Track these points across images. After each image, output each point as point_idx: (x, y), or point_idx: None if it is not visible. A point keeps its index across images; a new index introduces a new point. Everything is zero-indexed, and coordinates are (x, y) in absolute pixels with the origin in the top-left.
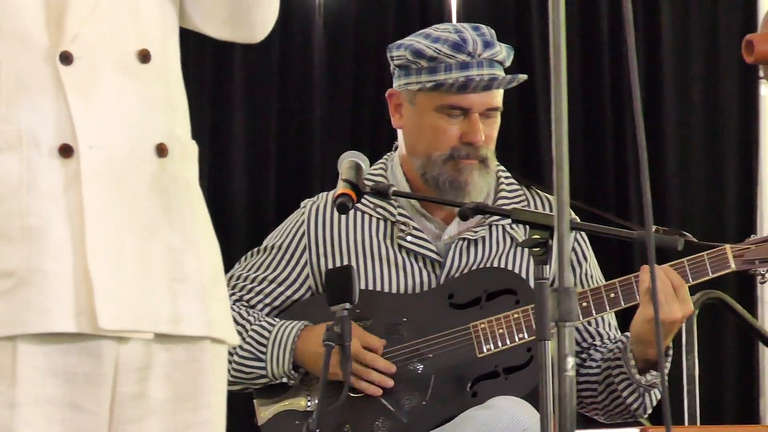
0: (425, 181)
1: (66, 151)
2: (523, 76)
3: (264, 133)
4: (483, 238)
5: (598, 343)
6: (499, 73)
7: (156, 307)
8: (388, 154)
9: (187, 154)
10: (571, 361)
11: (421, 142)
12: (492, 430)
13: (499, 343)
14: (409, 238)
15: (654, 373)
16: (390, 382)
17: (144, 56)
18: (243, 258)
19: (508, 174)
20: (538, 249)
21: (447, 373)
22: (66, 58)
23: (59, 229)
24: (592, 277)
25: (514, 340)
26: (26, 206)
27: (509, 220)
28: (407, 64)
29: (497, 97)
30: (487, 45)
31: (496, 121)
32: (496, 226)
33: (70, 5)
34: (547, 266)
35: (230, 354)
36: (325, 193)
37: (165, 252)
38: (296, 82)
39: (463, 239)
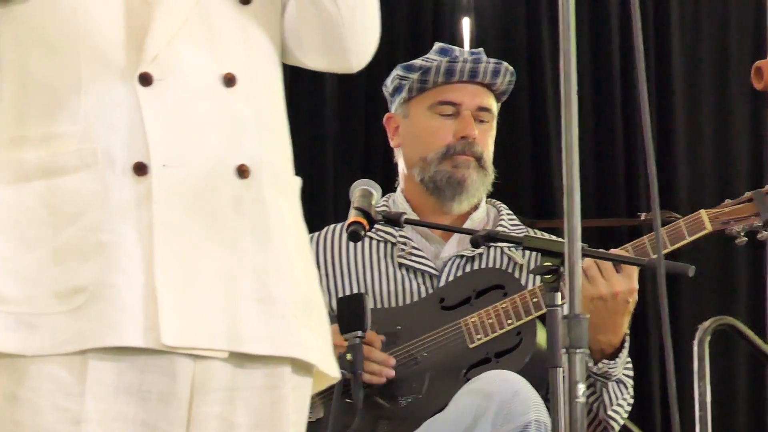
0: (425, 188)
1: (140, 169)
2: (509, 67)
3: None
4: (480, 255)
5: None
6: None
7: (234, 326)
8: (389, 194)
9: (279, 182)
10: (581, 388)
11: (418, 147)
12: (487, 395)
13: (489, 332)
14: (408, 256)
15: (605, 361)
16: (391, 372)
17: (228, 80)
18: None
19: (510, 212)
20: (549, 276)
21: (441, 367)
22: (145, 79)
23: (130, 246)
24: None
25: (504, 327)
26: (99, 223)
27: (509, 243)
28: (399, 83)
29: (488, 98)
30: (474, 55)
31: (491, 127)
32: (494, 247)
33: (153, 27)
34: (558, 293)
35: None
36: (332, 225)
37: (248, 272)
38: (308, 110)
39: (461, 257)
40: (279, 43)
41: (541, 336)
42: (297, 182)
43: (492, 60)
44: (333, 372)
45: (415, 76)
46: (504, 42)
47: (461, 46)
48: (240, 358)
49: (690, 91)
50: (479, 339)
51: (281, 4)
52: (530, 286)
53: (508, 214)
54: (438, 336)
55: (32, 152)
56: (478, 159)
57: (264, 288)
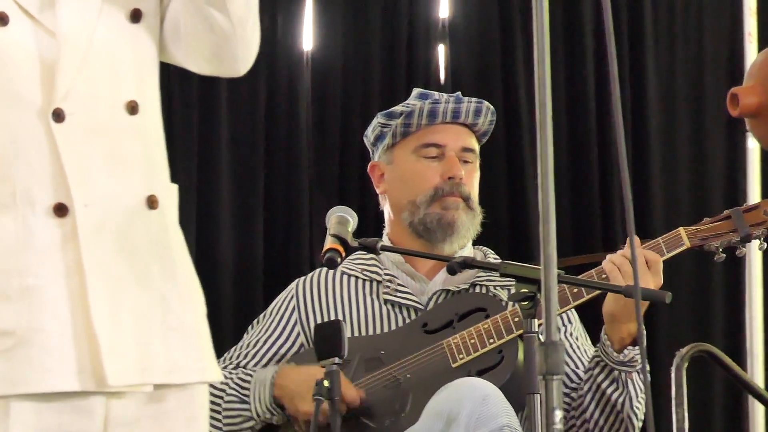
0: (414, 232)
1: (61, 209)
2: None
3: (251, 189)
4: (465, 290)
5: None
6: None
7: (154, 358)
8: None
9: (172, 202)
10: (558, 414)
11: (405, 191)
12: (457, 401)
13: (472, 351)
14: (393, 293)
15: (630, 347)
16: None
17: (132, 108)
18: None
19: (496, 256)
20: (526, 303)
21: (425, 386)
22: (58, 116)
23: (57, 288)
24: (577, 339)
25: (486, 345)
26: (24, 265)
27: (494, 282)
28: (381, 131)
29: (471, 138)
30: (456, 96)
31: (475, 168)
32: (480, 286)
33: (61, 62)
34: (535, 320)
35: (219, 400)
36: (318, 269)
37: (159, 301)
38: (283, 137)
39: (446, 291)
40: (157, 53)
41: (523, 354)
42: (175, 188)
43: (473, 99)
44: (219, 376)
45: (398, 121)
46: (479, 68)
47: (436, 73)
48: (154, 388)
49: (665, 119)
50: (462, 358)
51: (159, 14)
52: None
53: (495, 258)
54: (421, 357)
55: None
56: (466, 199)
57: (175, 316)
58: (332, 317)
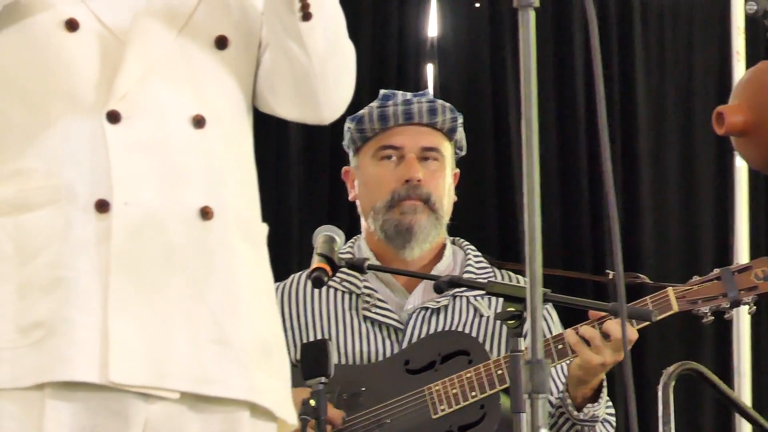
0: (379, 238)
1: (102, 206)
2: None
3: None
4: (445, 307)
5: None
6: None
7: (187, 366)
8: (357, 236)
9: (244, 226)
10: None
11: (368, 197)
12: None
13: (453, 403)
14: (373, 309)
15: (590, 405)
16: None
17: (198, 121)
18: None
19: (478, 253)
20: (512, 321)
21: None
22: (113, 117)
23: (88, 282)
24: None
25: (467, 399)
26: (60, 258)
27: (474, 292)
28: (352, 136)
29: (434, 137)
30: (406, 97)
31: (442, 166)
32: (460, 297)
33: (124, 65)
34: (521, 339)
35: None
36: (296, 274)
37: (205, 314)
38: (272, 156)
39: (426, 308)
40: (250, 91)
41: (506, 403)
42: (264, 228)
43: (425, 99)
44: (289, 418)
45: (353, 126)
46: (468, 87)
47: (425, 88)
48: (195, 401)
49: (654, 137)
50: (443, 410)
51: (257, 53)
52: (495, 349)
53: (476, 256)
54: (402, 403)
55: (1, 189)
56: (426, 201)
57: (220, 330)
58: (311, 331)
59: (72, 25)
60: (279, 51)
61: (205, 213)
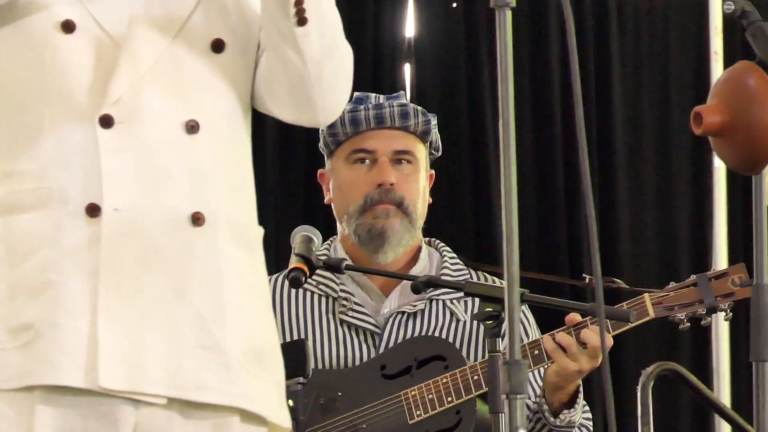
0: (354, 242)
1: (92, 210)
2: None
3: None
4: (422, 311)
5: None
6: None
7: (175, 372)
8: (333, 237)
9: (237, 232)
10: None
11: (341, 201)
12: None
13: (429, 408)
14: (350, 313)
15: (566, 412)
16: None
17: (191, 127)
18: None
19: (454, 255)
20: (490, 322)
21: None
22: (106, 121)
23: (77, 286)
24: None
25: (444, 404)
26: (49, 262)
27: (450, 295)
28: (325, 140)
29: (407, 140)
30: (378, 101)
31: (416, 170)
32: (437, 300)
33: (118, 70)
34: (500, 339)
35: None
36: (272, 276)
37: (193, 319)
38: None
39: (402, 313)
40: (248, 93)
41: (482, 409)
42: (259, 232)
43: (396, 102)
44: (283, 422)
45: (325, 130)
46: (444, 87)
47: (402, 89)
48: (184, 407)
49: (631, 138)
50: (419, 415)
51: (255, 55)
52: (472, 354)
53: (451, 258)
54: (378, 408)
55: None
56: (399, 205)
57: (209, 336)
58: (288, 335)
59: (68, 27)
60: (274, 55)
61: (196, 219)
